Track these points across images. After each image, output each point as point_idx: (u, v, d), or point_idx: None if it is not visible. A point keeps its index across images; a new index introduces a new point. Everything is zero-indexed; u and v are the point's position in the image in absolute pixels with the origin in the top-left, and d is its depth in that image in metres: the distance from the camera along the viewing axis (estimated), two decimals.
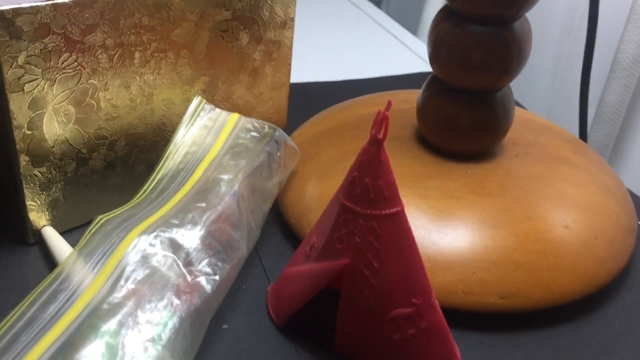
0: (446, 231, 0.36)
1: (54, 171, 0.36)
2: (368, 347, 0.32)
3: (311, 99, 0.56)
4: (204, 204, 0.35)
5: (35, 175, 0.35)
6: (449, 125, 0.39)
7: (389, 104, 0.28)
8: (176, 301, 0.31)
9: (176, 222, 0.33)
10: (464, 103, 0.39)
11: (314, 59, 0.65)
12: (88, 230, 0.33)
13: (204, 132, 0.39)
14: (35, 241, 0.38)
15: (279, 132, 0.40)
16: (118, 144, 0.38)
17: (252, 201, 0.37)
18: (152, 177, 0.37)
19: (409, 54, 0.69)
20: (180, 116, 0.40)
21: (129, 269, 0.31)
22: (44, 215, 0.37)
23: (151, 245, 0.32)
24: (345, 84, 0.60)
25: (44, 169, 0.35)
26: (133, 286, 0.30)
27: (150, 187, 0.36)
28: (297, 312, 0.33)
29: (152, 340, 0.29)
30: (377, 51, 0.69)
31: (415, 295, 0.31)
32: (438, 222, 0.37)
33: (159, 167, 0.37)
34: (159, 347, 0.29)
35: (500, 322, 0.35)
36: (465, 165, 0.40)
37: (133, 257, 0.31)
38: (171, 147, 0.38)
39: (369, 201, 0.29)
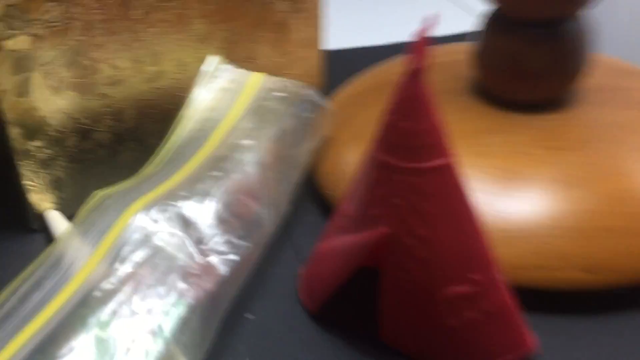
0: (513, 194, 0.30)
1: (53, 145, 0.32)
2: (418, 335, 0.26)
3: (352, 67, 0.50)
4: (219, 173, 0.29)
5: (30, 150, 0.31)
6: (513, 67, 0.33)
7: (430, 22, 0.21)
8: (183, 286, 0.26)
9: (185, 193, 0.28)
10: (531, 39, 0.32)
11: (352, 21, 0.59)
12: (83, 206, 0.28)
13: (221, 95, 0.34)
14: (40, 228, 0.34)
15: (310, 91, 0.35)
16: (125, 113, 0.33)
17: (278, 170, 0.32)
18: (161, 147, 0.32)
19: (459, 12, 0.62)
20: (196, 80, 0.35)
21: (126, 249, 0.26)
22: (46, 197, 0.33)
23: (154, 221, 0.27)
24: (389, 49, 0.54)
25: (39, 143, 0.31)
26: (131, 269, 0.25)
27: (158, 159, 0.31)
28: (333, 297, 0.28)
29: (153, 332, 0.24)
30: (426, 9, 0.62)
31: (473, 269, 0.25)
32: (502, 183, 0.30)
33: (169, 135, 0.32)
34: (161, 341, 0.24)
35: (585, 302, 0.28)
36: (533, 116, 0.33)
37: (132, 236, 0.26)
38: (184, 114, 0.33)
39: (408, 151, 0.23)
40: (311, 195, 0.36)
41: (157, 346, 0.24)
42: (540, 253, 0.28)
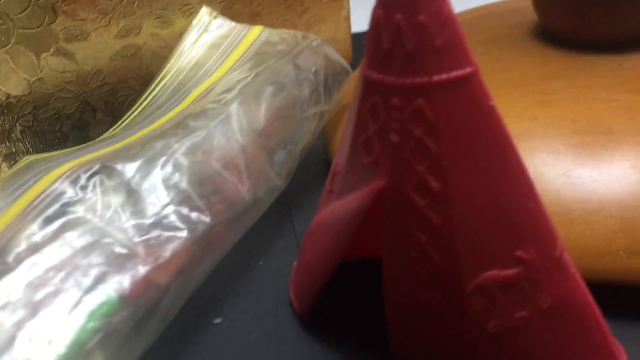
0: (587, 153, 0.21)
1: (2, 113, 0.26)
2: (440, 345, 0.17)
3: None
4: (182, 131, 0.23)
5: None
6: None
7: None
8: (108, 270, 0.18)
9: (131, 153, 0.21)
10: None
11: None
12: (7, 172, 0.22)
13: (211, 51, 0.27)
14: None
15: (318, 41, 0.28)
16: (93, 76, 0.27)
17: (272, 135, 0.25)
18: (130, 112, 0.26)
19: None
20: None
21: (37, 222, 0.19)
22: None
23: (81, 187, 0.20)
24: None
25: None
26: (31, 246, 0.19)
27: (122, 125, 0.25)
28: (327, 295, 0.20)
29: (46, 337, 0.17)
30: None
31: (522, 242, 0.16)
32: (577, 139, 0.21)
33: (142, 98, 0.26)
34: (55, 352, 0.17)
35: None
36: (610, 56, 0.24)
37: (48, 205, 0.20)
38: (164, 72, 0.27)
39: (406, 59, 0.15)
40: (324, 174, 0.28)
41: (47, 358, 0.17)
42: (629, 233, 0.19)
